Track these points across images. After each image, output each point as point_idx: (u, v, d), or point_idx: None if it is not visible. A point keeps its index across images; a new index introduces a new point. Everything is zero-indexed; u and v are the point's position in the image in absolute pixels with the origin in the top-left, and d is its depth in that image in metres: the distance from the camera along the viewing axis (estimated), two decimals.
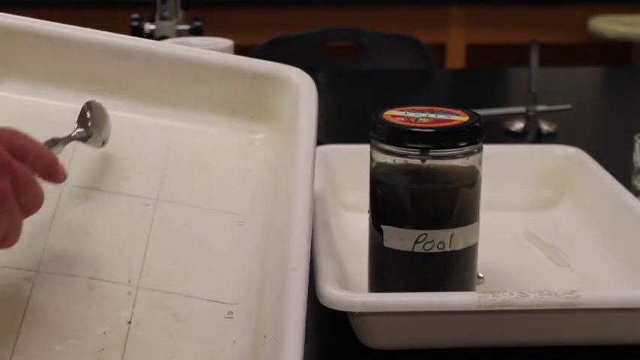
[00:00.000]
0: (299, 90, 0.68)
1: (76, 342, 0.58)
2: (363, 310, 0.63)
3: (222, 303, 0.61)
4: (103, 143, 0.65)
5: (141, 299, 0.60)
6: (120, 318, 0.59)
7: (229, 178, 0.67)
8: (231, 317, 0.60)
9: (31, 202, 0.53)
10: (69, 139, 0.62)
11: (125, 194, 0.65)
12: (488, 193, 0.74)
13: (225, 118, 0.70)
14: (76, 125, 0.63)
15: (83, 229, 0.62)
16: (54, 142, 0.59)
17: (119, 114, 0.68)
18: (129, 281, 0.61)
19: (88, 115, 0.64)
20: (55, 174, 0.55)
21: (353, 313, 0.65)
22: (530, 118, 1.23)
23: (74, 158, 0.65)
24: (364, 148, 0.72)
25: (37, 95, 0.69)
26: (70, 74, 0.69)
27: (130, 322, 0.59)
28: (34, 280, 0.60)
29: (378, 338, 0.66)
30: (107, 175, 0.65)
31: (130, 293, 0.60)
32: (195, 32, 1.40)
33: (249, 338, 0.59)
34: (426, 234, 0.67)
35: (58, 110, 0.68)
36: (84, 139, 0.63)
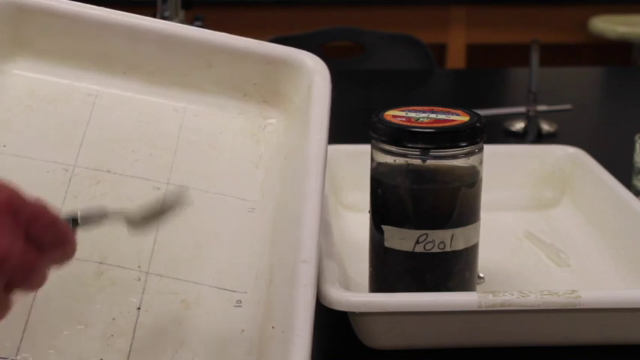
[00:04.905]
0: (313, 75, 0.67)
1: (85, 327, 0.58)
2: (363, 310, 0.63)
3: (230, 291, 0.60)
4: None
5: (150, 285, 0.60)
6: (129, 304, 0.59)
7: (240, 163, 0.67)
8: (240, 306, 0.60)
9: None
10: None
11: (136, 177, 0.64)
12: (489, 193, 0.74)
13: (237, 101, 0.69)
14: None
15: None
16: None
17: (131, 95, 0.68)
18: (139, 267, 0.60)
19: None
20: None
21: (353, 313, 0.65)
22: (530, 118, 1.23)
23: (85, 139, 0.65)
24: (364, 148, 0.72)
25: (50, 74, 0.68)
26: (83, 53, 0.69)
27: (139, 309, 0.59)
28: None
29: (378, 338, 0.66)
30: (118, 157, 0.65)
31: (139, 279, 0.60)
32: None
33: (258, 328, 0.58)
34: (426, 234, 0.67)
35: (71, 89, 0.68)
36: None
